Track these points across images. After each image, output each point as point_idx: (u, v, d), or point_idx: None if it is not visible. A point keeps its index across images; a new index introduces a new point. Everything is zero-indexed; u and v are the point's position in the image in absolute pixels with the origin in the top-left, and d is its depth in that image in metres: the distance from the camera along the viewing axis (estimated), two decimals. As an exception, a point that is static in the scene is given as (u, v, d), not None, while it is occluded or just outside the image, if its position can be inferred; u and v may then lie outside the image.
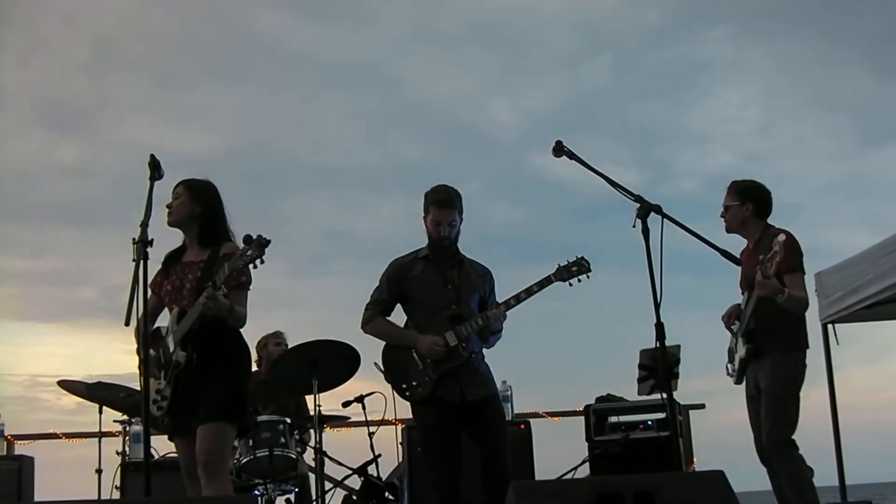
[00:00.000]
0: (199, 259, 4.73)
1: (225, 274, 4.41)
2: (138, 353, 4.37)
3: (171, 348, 4.67)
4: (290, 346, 7.06)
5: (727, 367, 5.74)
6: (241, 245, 4.30)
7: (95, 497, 6.65)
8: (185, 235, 4.89)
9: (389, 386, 5.31)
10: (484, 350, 5.30)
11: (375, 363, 5.32)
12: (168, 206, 4.80)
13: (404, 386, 5.16)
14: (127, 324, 4.22)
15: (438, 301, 5.20)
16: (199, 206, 4.80)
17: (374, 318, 5.29)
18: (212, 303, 4.41)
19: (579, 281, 5.21)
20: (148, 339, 4.36)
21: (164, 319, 4.89)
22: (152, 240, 4.34)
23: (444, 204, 5.19)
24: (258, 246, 4.23)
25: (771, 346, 5.34)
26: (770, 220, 5.55)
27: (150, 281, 4.76)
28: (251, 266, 4.31)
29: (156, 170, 4.42)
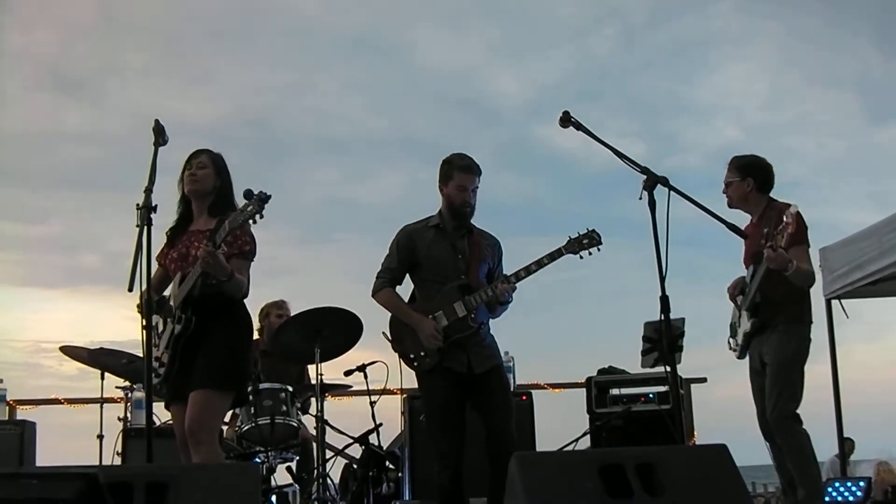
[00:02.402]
0: (207, 228, 4.71)
1: (225, 231, 4.40)
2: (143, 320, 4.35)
3: (172, 312, 4.68)
4: (292, 315, 7.06)
5: (729, 342, 5.74)
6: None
7: (97, 463, 6.66)
8: (196, 205, 4.90)
9: (392, 355, 5.31)
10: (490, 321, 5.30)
11: (384, 333, 5.30)
12: (192, 175, 4.81)
13: (412, 356, 5.15)
14: (130, 290, 4.18)
15: (448, 270, 5.20)
16: (220, 179, 4.86)
17: (385, 287, 5.29)
18: (210, 258, 4.40)
19: (590, 254, 5.18)
20: (151, 307, 4.33)
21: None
22: (156, 205, 4.29)
23: (469, 169, 5.21)
24: (258, 201, 4.23)
25: (776, 320, 5.34)
26: (774, 195, 5.54)
27: (155, 254, 4.76)
28: (251, 221, 4.31)
29: (160, 135, 4.37)
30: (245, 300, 4.84)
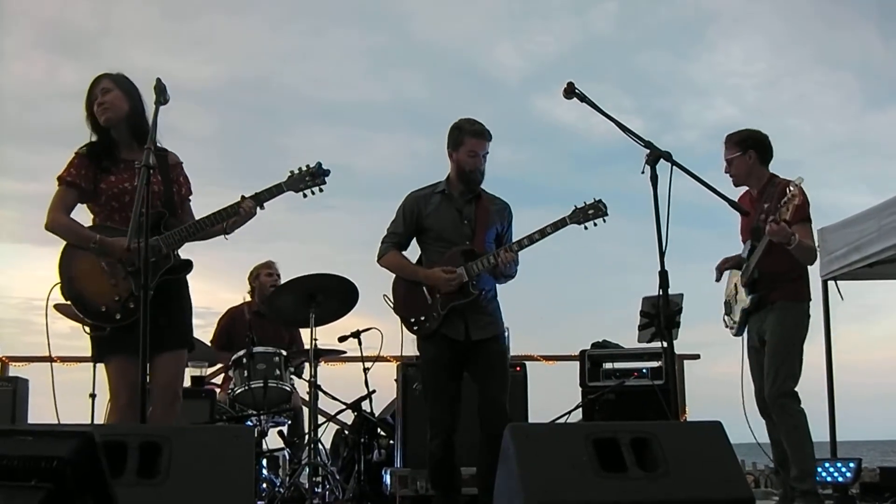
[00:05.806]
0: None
1: (281, 192, 4.60)
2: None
3: (163, 251, 4.37)
4: (286, 279, 7.05)
5: (725, 320, 5.73)
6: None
7: (89, 421, 6.65)
8: (116, 134, 4.51)
9: (388, 322, 5.31)
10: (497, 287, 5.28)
11: (385, 296, 5.26)
12: (101, 104, 4.40)
13: (412, 320, 5.14)
14: (128, 249, 4.14)
15: (453, 236, 5.17)
16: (129, 102, 4.48)
17: (390, 250, 5.26)
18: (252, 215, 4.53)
19: (595, 224, 5.18)
20: (148, 267, 4.15)
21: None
22: (157, 165, 4.22)
23: (480, 134, 5.17)
24: (316, 175, 4.60)
25: (775, 296, 5.33)
26: (774, 173, 5.52)
27: (63, 173, 4.45)
28: (308, 192, 4.64)
29: (161, 94, 4.24)
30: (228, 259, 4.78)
